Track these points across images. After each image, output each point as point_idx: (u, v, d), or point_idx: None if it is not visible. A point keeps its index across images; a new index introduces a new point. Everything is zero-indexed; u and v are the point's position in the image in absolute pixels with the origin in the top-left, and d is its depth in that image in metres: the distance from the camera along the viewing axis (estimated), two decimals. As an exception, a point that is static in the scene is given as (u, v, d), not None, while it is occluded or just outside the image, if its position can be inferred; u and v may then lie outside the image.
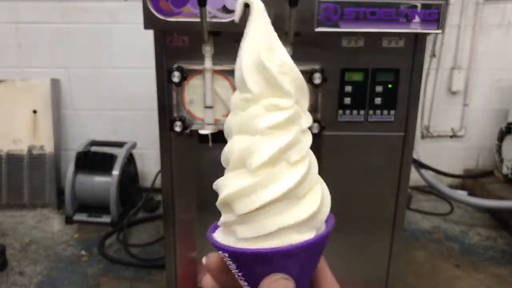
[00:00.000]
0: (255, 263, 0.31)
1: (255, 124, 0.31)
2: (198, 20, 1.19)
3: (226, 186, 0.32)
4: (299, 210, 0.31)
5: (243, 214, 0.31)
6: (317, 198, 0.32)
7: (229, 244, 0.31)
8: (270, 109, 0.31)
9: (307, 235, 0.31)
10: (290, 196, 0.31)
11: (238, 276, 0.32)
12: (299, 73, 0.33)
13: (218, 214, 0.35)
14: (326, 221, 0.33)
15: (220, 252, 0.32)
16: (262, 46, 0.32)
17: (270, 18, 1.28)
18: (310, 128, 0.34)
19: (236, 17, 0.33)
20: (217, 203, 0.33)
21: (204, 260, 0.35)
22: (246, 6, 0.33)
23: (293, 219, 0.30)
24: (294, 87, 0.32)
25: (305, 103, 0.34)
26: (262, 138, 0.31)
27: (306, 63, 1.31)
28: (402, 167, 1.43)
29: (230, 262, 0.31)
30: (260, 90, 0.32)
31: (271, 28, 0.34)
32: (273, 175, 0.31)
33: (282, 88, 0.31)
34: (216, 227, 0.34)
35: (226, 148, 0.33)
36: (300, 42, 1.28)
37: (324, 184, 0.34)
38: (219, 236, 0.33)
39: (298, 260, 0.31)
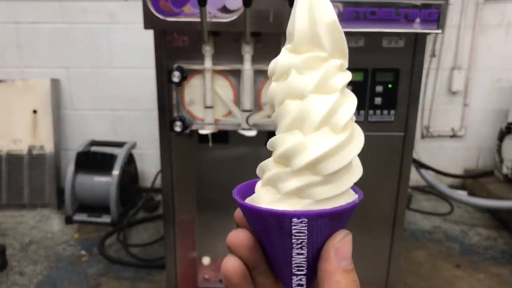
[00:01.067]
0: (330, 223, 0.31)
1: (332, 83, 0.31)
2: (198, 20, 1.19)
3: (312, 147, 0.30)
4: (359, 166, 0.32)
5: (330, 174, 0.30)
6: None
7: (306, 208, 0.31)
8: (340, 69, 0.32)
9: (353, 191, 0.33)
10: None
11: (299, 245, 0.31)
12: None
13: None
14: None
15: (295, 219, 0.30)
16: (331, 6, 0.32)
17: (270, 18, 1.28)
18: None
19: None
20: (298, 167, 0.31)
21: (229, 238, 0.33)
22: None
23: (358, 175, 0.32)
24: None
25: None
26: (341, 97, 0.31)
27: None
28: (402, 167, 1.43)
29: (303, 229, 0.30)
30: (332, 49, 0.31)
31: None
32: (351, 132, 0.31)
33: (345, 49, 0.32)
34: (243, 199, 0.33)
35: (302, 108, 0.31)
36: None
37: None
38: (283, 205, 0.31)
39: (351, 215, 0.32)
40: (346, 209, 0.31)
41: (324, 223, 0.30)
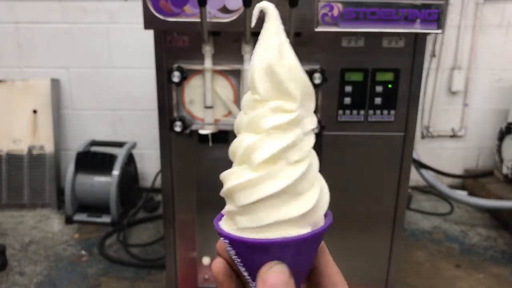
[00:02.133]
0: (251, 252, 0.33)
1: (261, 124, 0.34)
2: (198, 20, 1.19)
3: (230, 178, 0.34)
4: (295, 206, 0.33)
5: (243, 206, 0.33)
6: (314, 197, 0.34)
7: (230, 232, 0.34)
8: (276, 111, 0.34)
9: (302, 230, 0.33)
10: (288, 192, 0.33)
11: (237, 262, 0.35)
12: (306, 77, 0.35)
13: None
14: (326, 216, 0.36)
15: (222, 238, 0.34)
16: (273, 51, 0.34)
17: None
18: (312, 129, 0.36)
19: (253, 23, 0.35)
20: (221, 193, 0.35)
21: (217, 244, 0.38)
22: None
23: (288, 214, 0.33)
24: (300, 91, 0.34)
25: (311, 105, 0.36)
26: (266, 137, 0.33)
27: (306, 63, 1.31)
28: (402, 167, 1.44)
29: (230, 248, 0.34)
30: (267, 92, 0.34)
31: (283, 33, 0.35)
32: (272, 172, 0.33)
33: (289, 92, 0.34)
34: (223, 215, 0.37)
35: (234, 143, 0.35)
36: (300, 42, 1.28)
37: (324, 184, 0.36)
38: (224, 223, 0.35)
39: (292, 252, 0.33)
40: (263, 243, 0.32)
41: (247, 250, 0.33)
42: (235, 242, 0.33)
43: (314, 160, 0.35)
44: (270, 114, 0.34)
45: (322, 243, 0.37)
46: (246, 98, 0.36)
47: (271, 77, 0.34)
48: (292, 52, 0.35)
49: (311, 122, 0.35)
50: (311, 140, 0.35)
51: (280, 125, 0.33)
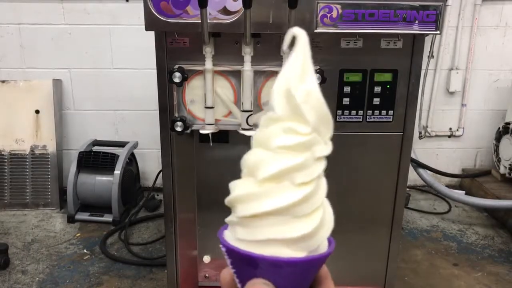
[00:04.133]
0: (244, 264, 0.34)
1: (270, 141, 0.34)
2: (198, 21, 1.20)
3: (235, 189, 0.35)
4: (292, 228, 0.33)
5: (241, 217, 0.34)
6: (314, 223, 0.33)
7: (229, 240, 0.35)
8: (287, 131, 0.34)
9: (297, 253, 0.33)
10: (286, 213, 0.33)
11: (232, 271, 0.35)
12: (325, 105, 0.35)
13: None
14: (329, 244, 0.35)
15: (220, 245, 0.35)
16: (295, 75, 0.35)
17: (270, 19, 1.31)
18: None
19: (284, 47, 0.37)
20: (226, 202, 0.35)
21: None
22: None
23: (283, 234, 0.33)
24: (316, 117, 0.34)
25: (327, 133, 0.35)
26: (273, 154, 0.34)
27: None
28: (400, 167, 1.45)
29: (226, 256, 0.35)
30: (283, 112, 0.35)
31: (309, 60, 0.36)
32: (274, 189, 0.33)
33: (303, 115, 0.34)
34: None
35: (246, 155, 0.36)
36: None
37: (329, 212, 0.36)
38: (227, 232, 0.36)
39: (283, 273, 0.33)
40: (251, 257, 0.33)
41: (240, 261, 0.34)
42: (230, 251, 0.34)
43: (321, 186, 0.35)
44: (281, 134, 0.34)
45: (326, 272, 0.37)
46: (264, 116, 0.36)
47: (289, 99, 0.34)
48: (314, 79, 0.36)
49: (324, 149, 0.35)
50: (320, 167, 0.35)
51: (289, 146, 0.33)
